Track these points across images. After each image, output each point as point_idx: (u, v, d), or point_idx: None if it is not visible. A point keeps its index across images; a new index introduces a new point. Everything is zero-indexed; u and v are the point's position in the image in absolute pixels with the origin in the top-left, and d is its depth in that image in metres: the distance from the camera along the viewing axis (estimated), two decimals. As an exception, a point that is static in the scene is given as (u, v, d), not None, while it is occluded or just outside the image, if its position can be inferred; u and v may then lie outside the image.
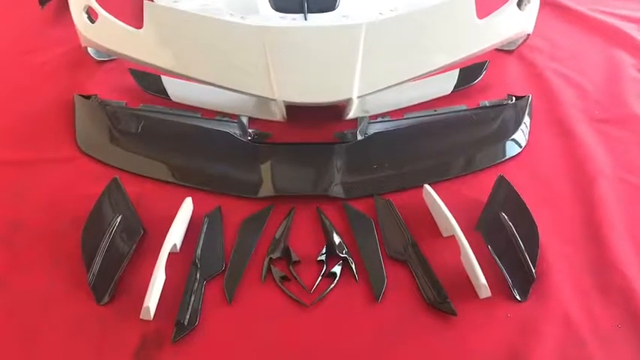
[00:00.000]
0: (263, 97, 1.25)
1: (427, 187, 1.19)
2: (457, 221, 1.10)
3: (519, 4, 1.38)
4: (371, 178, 1.26)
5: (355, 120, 1.34)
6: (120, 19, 1.33)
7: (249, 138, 1.32)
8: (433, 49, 1.30)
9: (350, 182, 1.24)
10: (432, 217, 1.19)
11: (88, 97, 1.43)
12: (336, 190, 1.22)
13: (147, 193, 1.23)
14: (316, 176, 1.26)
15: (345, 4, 1.64)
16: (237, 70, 1.26)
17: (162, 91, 1.44)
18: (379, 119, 1.40)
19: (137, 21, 1.30)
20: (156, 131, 1.34)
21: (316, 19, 1.58)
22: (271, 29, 1.26)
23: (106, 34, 1.31)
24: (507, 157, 1.32)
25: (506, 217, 1.12)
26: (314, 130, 1.37)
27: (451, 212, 1.12)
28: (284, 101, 1.24)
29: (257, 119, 1.39)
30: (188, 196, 1.19)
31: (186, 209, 1.15)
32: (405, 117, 1.41)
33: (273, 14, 1.49)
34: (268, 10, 1.60)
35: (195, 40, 1.28)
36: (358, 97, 1.25)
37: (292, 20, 1.34)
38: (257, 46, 1.24)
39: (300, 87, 1.24)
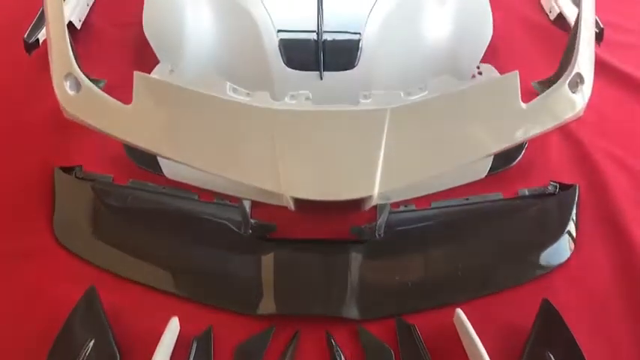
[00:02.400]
0: (269, 195, 1.06)
1: (459, 312, 1.00)
2: (494, 356, 0.90)
3: (572, 86, 1.18)
4: (392, 292, 1.07)
5: (374, 208, 1.15)
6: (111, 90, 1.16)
7: (251, 230, 1.14)
8: (469, 139, 1.10)
9: (367, 298, 1.06)
10: (464, 347, 1.00)
11: (70, 170, 1.26)
12: (351, 311, 1.04)
13: (129, 302, 1.06)
14: (327, 289, 1.07)
15: (365, 61, 1.46)
16: (240, 158, 1.07)
17: (155, 166, 1.26)
18: (402, 208, 1.22)
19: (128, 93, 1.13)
20: (143, 219, 1.17)
21: (333, 79, 1.42)
22: (281, 113, 1.07)
23: (89, 108, 1.13)
24: (553, 266, 1.13)
25: (553, 358, 0.93)
26: (326, 223, 1.19)
27: (487, 341, 0.94)
28: (292, 197, 1.06)
29: (261, 203, 1.20)
30: (177, 305, 1.02)
31: (171, 333, 0.97)
32: (432, 206, 1.22)
33: (284, 80, 1.34)
34: (279, 66, 1.43)
35: (192, 121, 1.09)
36: (379, 193, 1.06)
37: (305, 100, 1.14)
38: (264, 132, 1.06)
39: (312, 181, 1.06)
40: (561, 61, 1.44)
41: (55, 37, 1.13)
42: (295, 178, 1.05)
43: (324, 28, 1.54)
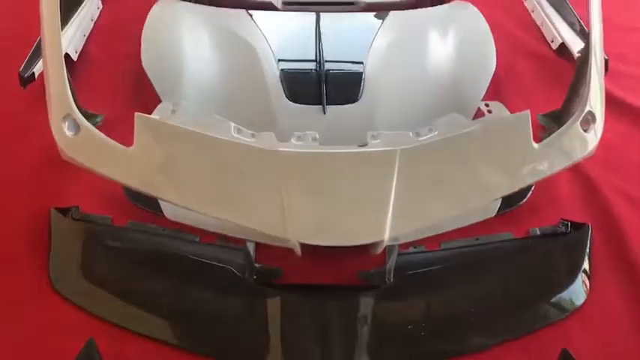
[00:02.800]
0: (275, 238, 1.03)
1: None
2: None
3: (583, 124, 1.15)
4: (404, 341, 1.03)
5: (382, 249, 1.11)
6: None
7: (255, 276, 1.10)
8: (481, 181, 1.07)
9: (379, 348, 1.02)
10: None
11: (67, 210, 1.21)
12: (362, 362, 0.99)
13: (130, 355, 1.00)
14: (335, 342, 1.02)
15: (369, 94, 1.44)
16: (245, 202, 1.04)
17: (156, 206, 1.22)
18: (411, 249, 1.18)
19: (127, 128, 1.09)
20: (143, 265, 1.12)
21: (337, 113, 1.39)
22: (287, 155, 1.04)
23: (88, 150, 1.09)
24: (568, 311, 1.09)
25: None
26: (333, 264, 1.15)
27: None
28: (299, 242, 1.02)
29: (266, 245, 1.16)
30: (180, 358, 0.97)
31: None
32: (442, 247, 1.19)
33: (286, 115, 1.34)
34: (281, 100, 1.40)
35: (195, 164, 1.06)
36: (390, 238, 1.03)
37: (312, 141, 1.11)
38: (269, 175, 1.03)
39: (321, 227, 1.02)
40: (568, 95, 1.42)
41: (53, 78, 1.10)
42: (303, 223, 1.01)
43: (326, 58, 1.53)
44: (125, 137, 1.08)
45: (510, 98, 1.59)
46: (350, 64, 1.56)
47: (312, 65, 1.51)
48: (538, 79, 1.67)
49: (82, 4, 1.77)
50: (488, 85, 1.48)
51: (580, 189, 1.34)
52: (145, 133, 1.06)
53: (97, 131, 1.08)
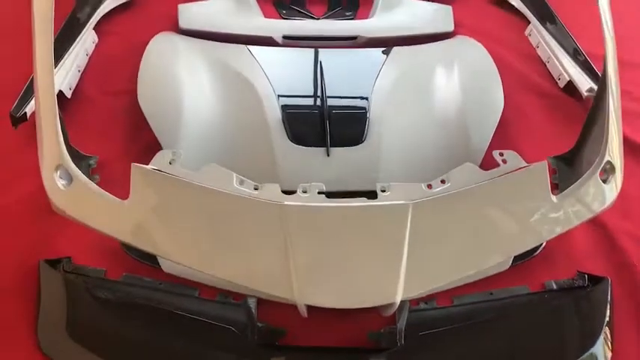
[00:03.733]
0: (280, 298, 0.96)
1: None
2: None
3: (603, 174, 1.10)
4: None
5: (392, 306, 1.05)
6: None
7: (257, 336, 1.03)
8: (497, 238, 1.02)
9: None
10: None
11: (57, 262, 1.14)
12: None
13: None
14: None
15: (374, 135, 1.39)
16: (248, 261, 0.98)
17: (152, 259, 1.16)
18: (422, 305, 1.12)
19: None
20: (138, 324, 1.05)
21: (341, 156, 1.34)
22: (293, 210, 0.98)
23: (81, 203, 1.03)
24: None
25: None
26: (341, 323, 1.09)
27: None
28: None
29: (268, 301, 1.10)
30: None
31: None
32: (454, 303, 1.13)
33: (289, 158, 1.31)
34: (284, 142, 1.35)
35: (195, 219, 1.00)
36: (403, 300, 0.97)
37: (318, 194, 1.05)
38: (274, 232, 0.97)
39: (329, 288, 0.96)
40: (580, 138, 1.38)
41: (45, 125, 1.04)
42: (310, 284, 0.95)
43: (329, 94, 1.48)
44: (120, 182, 1.03)
45: (519, 139, 1.55)
46: (354, 103, 1.52)
47: (314, 103, 1.47)
48: (546, 118, 1.63)
49: (78, 38, 1.72)
50: (496, 126, 1.44)
51: (594, 237, 1.29)
52: (142, 186, 1.00)
53: (90, 183, 1.02)
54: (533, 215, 1.02)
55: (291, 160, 1.34)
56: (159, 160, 1.06)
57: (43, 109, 1.03)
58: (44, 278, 1.12)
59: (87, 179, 1.02)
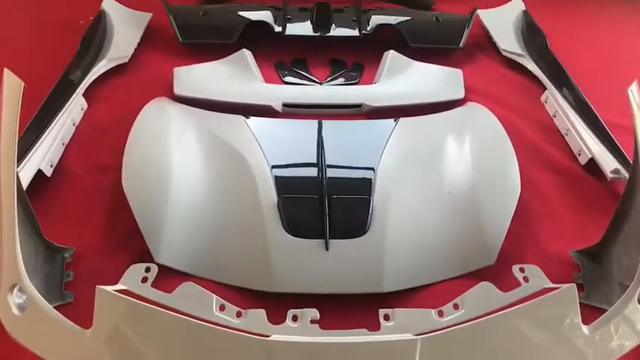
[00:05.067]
0: None
1: None
2: None
3: None
4: None
5: None
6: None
7: None
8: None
9: None
10: None
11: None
12: None
13: None
14: None
15: (377, 225, 1.26)
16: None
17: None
18: None
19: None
20: None
21: (341, 249, 1.22)
22: (280, 346, 0.84)
23: (37, 331, 0.89)
24: None
25: None
26: None
27: None
28: None
29: None
30: None
31: None
32: None
33: (283, 251, 1.20)
34: (279, 234, 1.22)
35: (169, 352, 0.86)
36: None
37: (311, 324, 0.91)
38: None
39: None
40: (608, 231, 1.24)
41: (3, 238, 0.91)
42: None
43: (330, 182, 1.35)
44: (96, 279, 0.92)
45: (536, 224, 1.41)
46: (357, 186, 1.39)
47: (313, 186, 1.34)
48: (566, 200, 1.49)
49: (67, 105, 1.63)
50: (513, 213, 1.31)
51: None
52: (107, 313, 0.87)
53: (49, 308, 0.90)
54: (561, 350, 0.88)
55: (287, 253, 1.22)
56: (130, 278, 0.92)
57: (3, 223, 0.91)
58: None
59: (45, 303, 0.89)
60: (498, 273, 1.20)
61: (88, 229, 1.34)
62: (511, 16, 2.23)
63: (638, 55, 2.18)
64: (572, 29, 2.35)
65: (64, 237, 1.27)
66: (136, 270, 0.94)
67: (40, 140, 1.47)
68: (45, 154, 1.45)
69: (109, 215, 1.37)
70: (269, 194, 1.30)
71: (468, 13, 2.13)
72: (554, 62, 1.89)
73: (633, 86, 1.21)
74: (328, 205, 1.27)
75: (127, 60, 1.91)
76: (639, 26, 2.43)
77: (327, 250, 1.23)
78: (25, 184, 1.27)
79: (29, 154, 1.39)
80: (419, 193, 1.35)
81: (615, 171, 1.46)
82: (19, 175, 1.11)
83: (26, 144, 1.40)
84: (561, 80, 1.82)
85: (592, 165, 1.55)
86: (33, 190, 1.32)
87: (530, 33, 2.09)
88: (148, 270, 0.94)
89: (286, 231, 1.24)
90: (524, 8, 2.25)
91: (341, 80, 1.93)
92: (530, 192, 1.46)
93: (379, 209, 1.29)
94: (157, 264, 0.98)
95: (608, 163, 1.49)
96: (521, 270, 0.97)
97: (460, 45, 2.04)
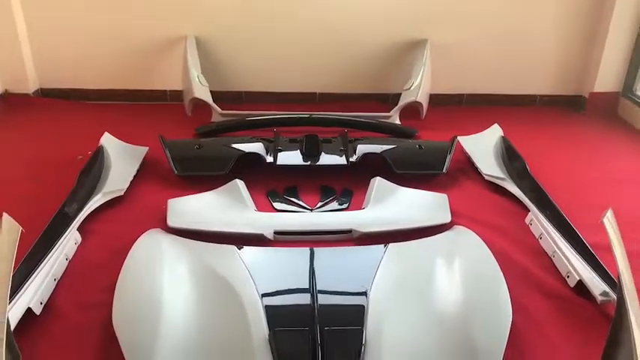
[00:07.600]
0: None
1: None
2: None
3: None
4: None
5: None
6: None
7: None
8: None
9: None
10: None
11: None
12: None
13: None
14: None
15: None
16: None
17: None
18: None
19: None
20: None
21: None
22: None
23: None
24: None
25: None
26: None
27: None
28: None
29: None
30: None
31: None
32: None
33: None
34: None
35: None
36: None
37: None
38: None
39: None
40: (605, 352, 1.22)
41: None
42: None
43: (322, 313, 1.35)
44: None
45: (533, 351, 1.38)
46: (349, 317, 1.38)
47: (305, 318, 1.33)
48: (560, 324, 1.48)
49: (60, 240, 1.65)
50: (507, 339, 1.29)
51: None
52: None
53: None
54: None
55: None
56: None
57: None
58: None
59: None
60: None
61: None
62: (491, 141, 2.36)
63: (613, 176, 2.29)
64: (549, 152, 2.48)
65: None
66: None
67: (33, 277, 1.48)
68: (36, 291, 1.45)
69: (98, 353, 1.34)
70: (260, 328, 1.30)
71: (449, 140, 2.25)
72: (535, 185, 1.97)
73: (609, 214, 1.26)
74: (320, 337, 1.26)
75: (122, 193, 1.97)
76: (614, 149, 2.59)
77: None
78: (13, 323, 1.26)
79: (21, 291, 1.39)
80: (412, 322, 1.35)
81: (604, 294, 1.48)
82: (9, 315, 1.10)
83: (19, 279, 1.41)
84: (543, 202, 1.89)
85: (582, 287, 1.56)
86: (22, 328, 1.31)
87: (510, 157, 2.21)
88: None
89: (277, 362, 1.22)
90: (502, 134, 2.39)
91: (331, 206, 1.98)
92: (522, 316, 1.46)
93: (372, 340, 1.28)
94: None
95: (597, 285, 1.51)
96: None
97: (444, 170, 2.14)
